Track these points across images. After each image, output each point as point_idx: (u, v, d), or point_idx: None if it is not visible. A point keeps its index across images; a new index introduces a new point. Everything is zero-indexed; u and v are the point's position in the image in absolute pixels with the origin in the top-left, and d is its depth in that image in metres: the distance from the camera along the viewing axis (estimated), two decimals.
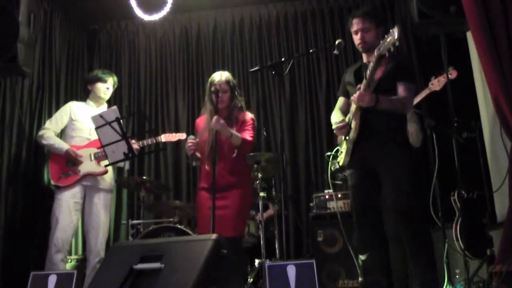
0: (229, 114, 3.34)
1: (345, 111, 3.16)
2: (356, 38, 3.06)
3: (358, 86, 2.89)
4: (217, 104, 3.26)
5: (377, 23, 3.01)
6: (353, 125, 2.96)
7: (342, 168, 3.54)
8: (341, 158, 3.10)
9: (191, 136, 3.29)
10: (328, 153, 3.55)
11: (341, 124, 3.01)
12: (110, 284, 2.18)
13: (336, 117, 3.14)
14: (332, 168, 4.22)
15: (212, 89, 3.29)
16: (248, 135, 3.31)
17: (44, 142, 3.99)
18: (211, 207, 2.93)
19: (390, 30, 2.72)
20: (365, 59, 3.10)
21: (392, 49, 2.77)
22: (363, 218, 2.98)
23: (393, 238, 3.10)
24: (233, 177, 3.29)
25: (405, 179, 2.85)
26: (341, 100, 3.25)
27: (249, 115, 3.42)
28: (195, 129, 3.50)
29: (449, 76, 3.57)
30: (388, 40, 2.70)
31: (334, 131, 3.10)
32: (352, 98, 2.94)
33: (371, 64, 2.84)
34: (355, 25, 3.04)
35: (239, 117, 3.37)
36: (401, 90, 2.92)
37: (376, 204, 2.99)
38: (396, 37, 2.64)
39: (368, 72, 2.86)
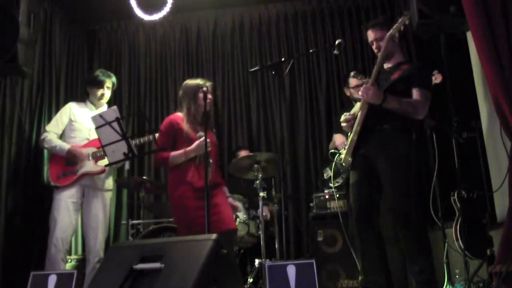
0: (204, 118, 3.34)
1: None
2: (373, 48, 3.14)
3: (366, 79, 2.92)
4: (203, 105, 3.28)
5: (388, 28, 3.04)
6: (358, 117, 2.99)
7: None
8: (343, 155, 3.11)
9: (202, 133, 3.21)
10: (332, 151, 3.55)
11: (348, 116, 3.07)
12: (110, 284, 2.17)
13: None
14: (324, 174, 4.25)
15: (204, 89, 3.29)
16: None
17: (46, 145, 3.99)
18: (202, 207, 2.95)
19: (403, 12, 2.84)
20: (385, 66, 3.14)
21: (402, 28, 2.86)
22: (362, 217, 2.98)
23: (390, 240, 3.11)
24: (218, 175, 3.45)
25: (405, 180, 2.85)
26: (357, 105, 3.27)
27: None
28: (170, 125, 3.39)
29: (434, 80, 3.60)
30: (400, 20, 2.77)
31: (342, 124, 3.13)
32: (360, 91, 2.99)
33: (382, 48, 2.94)
34: (369, 36, 3.14)
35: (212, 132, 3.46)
36: (415, 94, 2.94)
37: (375, 204, 3.00)
38: (408, 16, 2.71)
39: (378, 59, 2.91)
